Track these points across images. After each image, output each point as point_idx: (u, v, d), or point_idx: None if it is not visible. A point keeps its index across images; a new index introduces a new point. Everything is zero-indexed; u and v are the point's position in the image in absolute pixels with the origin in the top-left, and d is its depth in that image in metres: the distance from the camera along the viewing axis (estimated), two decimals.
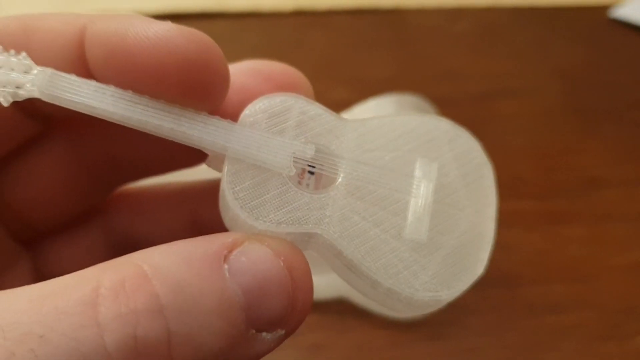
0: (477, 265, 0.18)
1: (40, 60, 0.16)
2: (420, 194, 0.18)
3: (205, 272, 0.14)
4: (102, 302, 0.13)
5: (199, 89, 0.16)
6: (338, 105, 0.43)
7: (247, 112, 0.17)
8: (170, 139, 0.16)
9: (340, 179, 0.17)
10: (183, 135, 0.16)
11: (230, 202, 0.16)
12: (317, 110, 0.18)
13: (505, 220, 0.35)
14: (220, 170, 0.17)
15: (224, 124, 0.17)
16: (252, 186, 0.16)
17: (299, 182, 0.18)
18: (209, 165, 0.18)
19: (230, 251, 0.15)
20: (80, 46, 0.16)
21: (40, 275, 0.21)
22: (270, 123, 0.17)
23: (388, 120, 0.19)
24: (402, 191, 0.18)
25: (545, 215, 0.36)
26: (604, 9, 0.55)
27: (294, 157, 0.17)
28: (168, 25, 0.15)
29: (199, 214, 0.22)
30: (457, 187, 0.19)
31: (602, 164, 0.40)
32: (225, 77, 0.16)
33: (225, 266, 0.15)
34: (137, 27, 0.15)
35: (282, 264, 0.15)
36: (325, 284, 0.27)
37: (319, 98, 0.45)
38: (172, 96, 0.16)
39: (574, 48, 0.52)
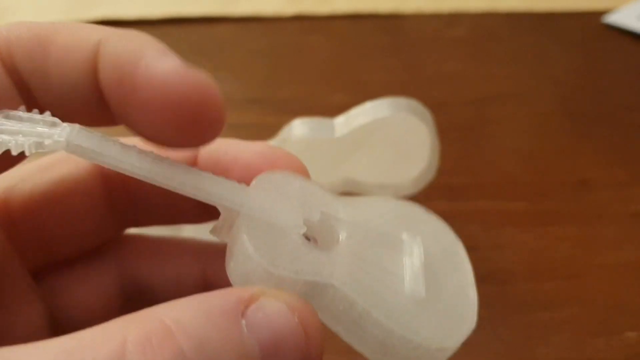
0: (470, 318, 0.20)
1: (55, 76, 0.17)
2: (413, 254, 0.20)
3: (225, 327, 0.15)
4: (130, 357, 0.14)
5: (194, 129, 0.17)
6: (337, 108, 0.45)
7: (255, 182, 0.19)
8: (191, 195, 0.17)
9: (342, 240, 0.19)
10: (204, 192, 0.17)
11: (251, 253, 0.17)
12: (314, 187, 0.20)
13: (498, 220, 0.37)
14: (223, 239, 0.18)
15: (241, 185, 0.18)
16: (268, 240, 0.18)
17: (303, 240, 0.19)
18: (214, 234, 0.19)
19: (247, 306, 0.15)
20: (93, 65, 0.17)
21: (52, 311, 0.21)
22: (277, 191, 0.19)
23: (373, 199, 0.22)
24: (395, 254, 0.20)
25: (537, 215, 0.37)
26: (598, 14, 0.57)
27: (304, 219, 0.19)
28: (176, 66, 0.16)
29: (209, 271, 0.23)
30: (439, 258, 0.21)
31: (594, 166, 0.41)
32: (220, 120, 0.17)
33: (243, 321, 0.15)
34: (148, 60, 0.16)
35: (296, 319, 0.16)
36: None
37: (319, 102, 0.47)
38: (167, 129, 0.17)
39: (568, 53, 0.53)
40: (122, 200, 0.22)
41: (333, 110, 0.45)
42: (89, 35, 0.17)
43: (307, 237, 0.19)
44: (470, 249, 0.34)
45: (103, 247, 0.22)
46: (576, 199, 0.38)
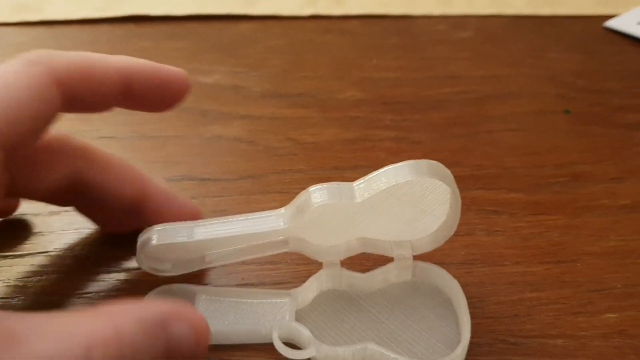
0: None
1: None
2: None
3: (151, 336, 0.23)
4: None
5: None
6: (348, 103, 0.48)
7: None
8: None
9: None
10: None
11: None
12: None
13: (493, 209, 0.40)
14: None
15: None
16: None
17: None
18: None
19: (169, 320, 0.23)
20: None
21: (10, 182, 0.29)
22: None
23: None
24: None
25: (531, 205, 0.40)
26: (599, 19, 0.59)
27: None
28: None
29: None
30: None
31: (588, 162, 0.44)
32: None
33: (164, 334, 0.23)
34: None
35: (196, 339, 0.24)
36: (352, 354, 0.30)
37: (332, 97, 0.50)
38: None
39: (569, 55, 0.56)
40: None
41: (344, 104, 0.49)
42: None
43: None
44: (466, 234, 0.38)
45: (65, 147, 0.31)
46: (568, 192, 0.41)
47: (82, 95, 0.27)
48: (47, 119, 0.26)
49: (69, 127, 0.45)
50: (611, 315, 0.34)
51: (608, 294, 0.35)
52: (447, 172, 0.31)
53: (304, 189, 0.31)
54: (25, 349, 0.19)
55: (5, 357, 0.19)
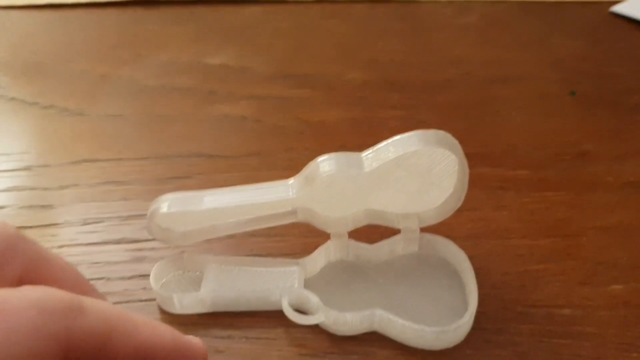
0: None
1: None
2: None
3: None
4: None
5: None
6: (354, 85, 0.48)
7: None
8: None
9: None
10: None
11: None
12: None
13: (500, 185, 0.40)
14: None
15: None
16: None
17: None
18: None
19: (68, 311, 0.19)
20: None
21: None
22: None
23: None
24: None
25: (537, 182, 0.40)
26: (605, 4, 0.60)
27: None
28: None
29: None
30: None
31: (593, 141, 0.44)
32: None
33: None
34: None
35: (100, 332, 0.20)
36: (360, 320, 0.31)
37: (338, 79, 0.50)
38: None
39: (574, 40, 0.56)
40: None
41: (349, 85, 0.49)
42: None
43: None
44: (472, 209, 0.38)
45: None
46: (574, 169, 0.41)
47: None
48: None
49: (74, 105, 0.46)
50: (616, 287, 0.34)
51: (613, 267, 0.35)
52: (455, 142, 0.31)
53: None
54: None
55: None
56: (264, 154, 0.42)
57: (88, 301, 0.20)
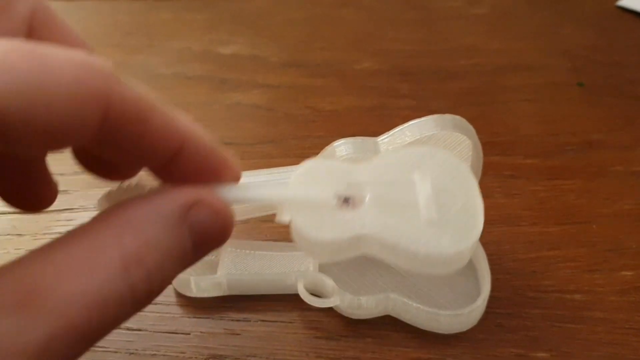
0: (477, 224, 0.25)
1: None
2: (423, 190, 0.25)
3: (175, 231, 0.20)
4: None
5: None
6: (366, 73, 0.48)
7: (294, 176, 0.25)
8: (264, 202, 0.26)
9: (367, 198, 0.25)
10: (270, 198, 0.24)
11: (303, 230, 0.24)
12: (338, 163, 0.26)
13: (510, 173, 0.41)
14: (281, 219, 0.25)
15: (284, 184, 0.26)
16: (313, 217, 0.24)
17: (343, 206, 0.25)
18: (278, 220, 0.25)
19: (188, 211, 0.20)
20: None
21: None
22: (311, 178, 0.25)
23: (388, 154, 0.28)
24: (410, 193, 0.25)
25: (547, 170, 0.41)
26: None
27: (333, 192, 0.25)
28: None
29: None
30: (446, 182, 0.26)
31: (601, 130, 0.45)
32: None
33: (185, 225, 0.20)
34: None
35: (220, 220, 0.21)
36: (375, 303, 0.31)
37: (349, 68, 0.51)
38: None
39: (582, 32, 0.56)
40: None
41: (361, 74, 0.50)
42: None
43: (347, 201, 0.25)
44: (484, 197, 0.38)
45: None
46: (583, 158, 0.42)
47: (130, 139, 0.19)
48: (68, 132, 0.18)
49: None
50: (627, 273, 0.34)
51: (623, 253, 0.35)
52: (470, 127, 0.31)
53: None
54: (51, 303, 0.16)
55: (30, 321, 0.16)
56: (277, 142, 0.43)
57: (125, 79, 0.19)
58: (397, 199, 0.25)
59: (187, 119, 0.21)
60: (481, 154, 0.31)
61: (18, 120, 0.16)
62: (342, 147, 0.31)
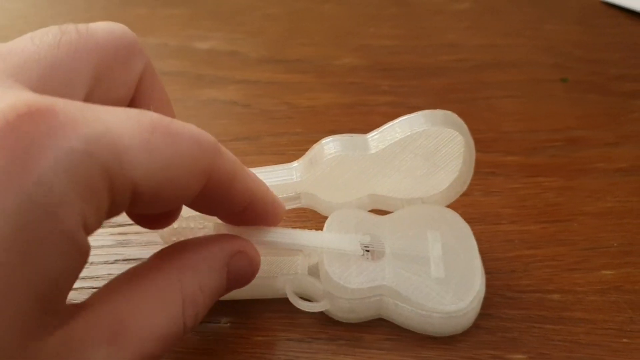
0: (476, 284, 0.29)
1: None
2: (435, 250, 0.30)
3: (218, 273, 0.24)
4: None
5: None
6: (345, 69, 0.48)
7: (327, 223, 0.30)
8: (294, 247, 0.28)
9: (387, 251, 0.29)
10: (301, 245, 0.28)
11: (332, 276, 0.28)
12: (366, 215, 0.31)
13: (490, 171, 0.40)
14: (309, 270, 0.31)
15: (320, 233, 0.29)
16: (341, 265, 0.29)
17: (364, 257, 0.29)
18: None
19: (231, 257, 0.25)
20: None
21: None
22: (341, 227, 0.30)
23: (406, 211, 0.32)
24: (423, 249, 0.30)
25: (527, 168, 0.40)
26: None
27: (360, 244, 0.29)
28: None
29: None
30: (452, 242, 0.30)
31: (584, 127, 0.44)
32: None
33: (226, 269, 0.25)
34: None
35: (254, 267, 0.26)
36: (367, 307, 0.30)
37: (329, 64, 0.50)
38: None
39: (566, 27, 0.56)
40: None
41: (342, 70, 0.49)
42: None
43: (367, 250, 0.29)
44: (463, 194, 0.38)
45: None
46: (564, 155, 0.41)
47: (215, 199, 0.23)
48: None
49: None
50: (607, 272, 0.34)
51: (604, 252, 0.35)
52: (462, 123, 0.30)
53: (300, 150, 0.31)
54: (130, 337, 0.20)
55: (117, 352, 0.20)
56: (253, 138, 0.42)
57: (222, 147, 0.23)
58: (412, 255, 0.29)
59: (256, 178, 0.25)
60: (473, 152, 0.30)
61: (149, 195, 0.19)
62: (330, 144, 0.30)
